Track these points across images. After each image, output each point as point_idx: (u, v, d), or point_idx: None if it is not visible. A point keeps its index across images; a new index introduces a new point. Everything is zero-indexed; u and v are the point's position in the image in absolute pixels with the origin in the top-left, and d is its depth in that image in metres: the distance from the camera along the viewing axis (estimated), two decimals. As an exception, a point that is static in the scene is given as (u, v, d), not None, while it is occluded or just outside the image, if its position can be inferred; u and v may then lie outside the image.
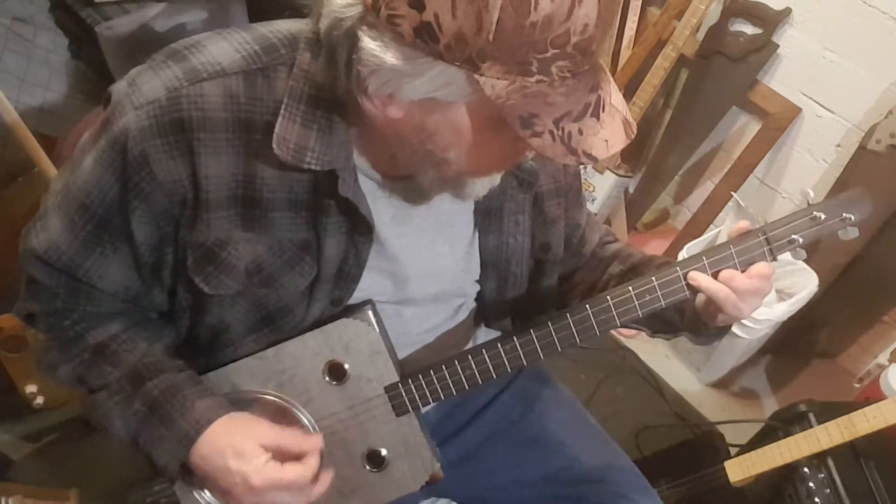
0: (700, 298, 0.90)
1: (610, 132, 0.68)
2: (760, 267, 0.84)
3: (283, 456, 0.85)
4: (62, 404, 1.74)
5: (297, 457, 0.85)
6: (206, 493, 0.97)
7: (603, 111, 0.68)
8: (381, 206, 0.86)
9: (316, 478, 0.86)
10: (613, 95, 0.70)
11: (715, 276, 0.85)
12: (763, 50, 2.06)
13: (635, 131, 0.71)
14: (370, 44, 0.64)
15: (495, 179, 0.81)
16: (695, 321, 0.93)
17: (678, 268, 0.86)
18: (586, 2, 0.60)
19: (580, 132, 0.66)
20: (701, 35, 2.21)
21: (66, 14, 2.04)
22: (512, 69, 0.62)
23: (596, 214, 2.44)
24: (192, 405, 0.85)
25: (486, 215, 0.94)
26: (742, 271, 0.85)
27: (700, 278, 0.85)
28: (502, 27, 0.59)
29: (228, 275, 0.83)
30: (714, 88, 2.21)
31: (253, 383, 0.93)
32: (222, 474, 0.83)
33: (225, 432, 0.85)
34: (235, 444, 0.83)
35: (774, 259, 0.85)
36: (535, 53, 0.61)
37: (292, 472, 0.83)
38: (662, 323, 0.99)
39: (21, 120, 1.52)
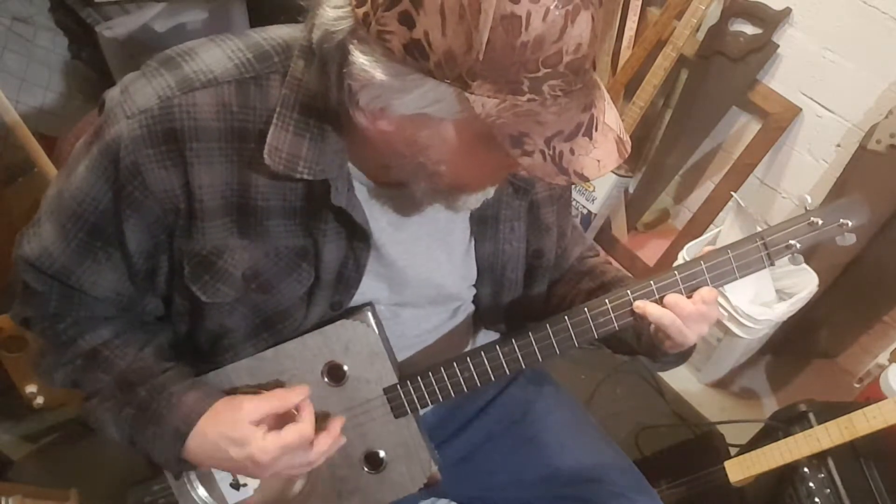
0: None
1: (602, 152, 0.68)
2: (704, 292, 0.85)
3: (277, 420, 0.86)
4: (62, 404, 1.74)
5: (291, 416, 0.87)
6: (203, 491, 0.97)
7: (596, 130, 0.67)
8: (377, 213, 0.86)
9: (322, 426, 0.88)
10: (607, 113, 0.69)
11: (661, 300, 0.85)
12: (763, 50, 2.06)
13: (629, 150, 0.71)
14: (360, 58, 0.64)
15: (489, 192, 0.81)
16: (650, 345, 0.93)
17: (676, 272, 0.86)
18: (579, 22, 0.60)
19: (572, 152, 0.66)
20: (701, 35, 2.21)
21: (66, 14, 2.05)
22: (502, 88, 0.61)
23: (596, 215, 2.44)
24: (178, 401, 0.86)
25: (482, 222, 0.94)
26: (740, 277, 0.85)
27: (645, 306, 0.85)
28: (492, 47, 0.59)
29: (225, 282, 0.83)
30: (714, 88, 2.20)
31: (252, 384, 0.93)
32: (228, 464, 0.85)
33: (213, 424, 0.85)
34: (226, 434, 0.84)
35: (772, 264, 0.85)
36: (526, 73, 0.61)
37: (293, 433, 0.84)
38: (621, 344, 1.00)
39: (21, 120, 1.52)
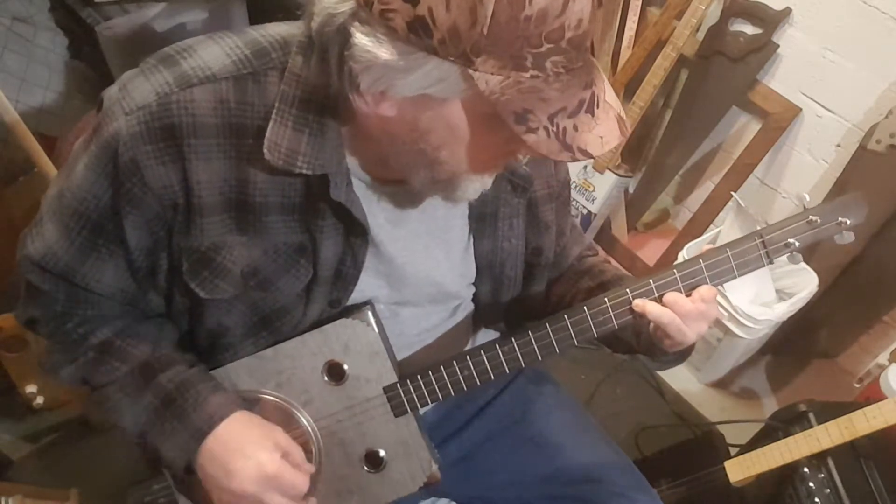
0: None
1: (605, 128, 0.68)
2: (703, 291, 0.85)
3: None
4: (62, 404, 1.73)
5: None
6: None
7: (597, 107, 0.67)
8: (375, 209, 0.86)
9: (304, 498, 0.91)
10: (607, 92, 0.69)
11: (660, 299, 0.85)
12: (763, 50, 2.06)
13: (630, 129, 0.71)
14: (363, 39, 0.64)
15: (487, 183, 0.80)
16: (649, 344, 0.93)
17: (675, 270, 0.86)
18: None
19: (575, 128, 0.66)
20: (701, 35, 2.21)
21: (66, 14, 2.05)
22: (506, 64, 0.62)
23: (596, 215, 2.44)
24: (205, 400, 0.87)
25: (481, 220, 0.94)
26: (739, 275, 0.85)
27: (645, 305, 0.85)
28: (497, 21, 0.59)
29: (224, 279, 0.83)
30: (714, 88, 2.20)
31: (252, 383, 0.93)
32: (235, 457, 0.85)
33: (246, 423, 0.87)
34: (255, 435, 0.87)
35: (771, 262, 0.85)
36: (530, 48, 0.61)
37: (298, 477, 0.87)
38: (621, 343, 1.00)
39: (21, 120, 1.52)
